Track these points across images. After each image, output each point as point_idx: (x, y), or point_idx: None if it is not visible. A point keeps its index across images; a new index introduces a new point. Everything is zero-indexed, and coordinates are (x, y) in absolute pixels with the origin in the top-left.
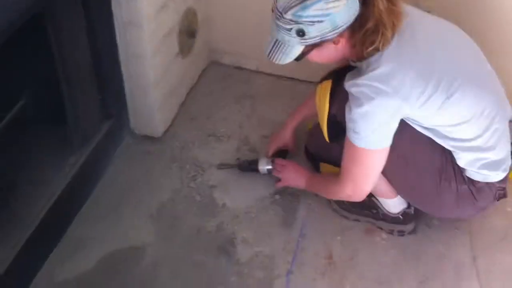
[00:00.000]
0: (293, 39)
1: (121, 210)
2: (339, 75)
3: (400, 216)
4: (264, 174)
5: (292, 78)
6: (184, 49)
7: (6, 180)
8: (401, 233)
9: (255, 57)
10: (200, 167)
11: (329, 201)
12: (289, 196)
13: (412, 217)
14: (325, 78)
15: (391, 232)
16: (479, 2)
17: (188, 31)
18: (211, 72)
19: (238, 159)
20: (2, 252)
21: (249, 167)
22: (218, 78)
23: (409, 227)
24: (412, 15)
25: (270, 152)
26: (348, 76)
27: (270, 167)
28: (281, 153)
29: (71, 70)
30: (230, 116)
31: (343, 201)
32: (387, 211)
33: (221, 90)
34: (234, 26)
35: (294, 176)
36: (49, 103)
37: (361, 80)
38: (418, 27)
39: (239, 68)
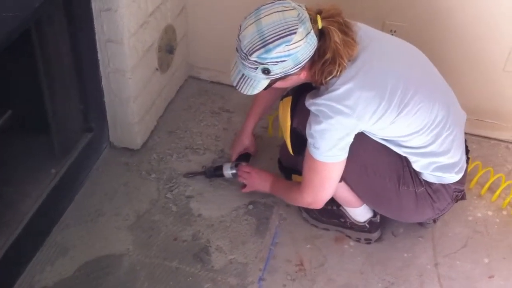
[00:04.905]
0: (259, 75)
1: (100, 219)
2: (299, 91)
3: (367, 225)
4: (229, 178)
5: None
6: (163, 65)
7: None
8: (368, 241)
9: None
10: (177, 179)
11: (300, 211)
12: (262, 206)
13: (378, 226)
14: (286, 95)
15: (358, 240)
16: (445, 22)
17: (167, 48)
18: (189, 87)
19: (204, 166)
20: None
21: (215, 173)
22: (195, 92)
23: (375, 235)
24: (364, 36)
25: (234, 157)
26: (308, 95)
27: (234, 171)
28: (244, 157)
29: (55, 84)
30: (207, 129)
31: (313, 211)
32: (354, 220)
33: (199, 104)
34: (211, 43)
35: (259, 182)
36: (33, 115)
37: (319, 100)
38: (370, 48)
39: (216, 83)
